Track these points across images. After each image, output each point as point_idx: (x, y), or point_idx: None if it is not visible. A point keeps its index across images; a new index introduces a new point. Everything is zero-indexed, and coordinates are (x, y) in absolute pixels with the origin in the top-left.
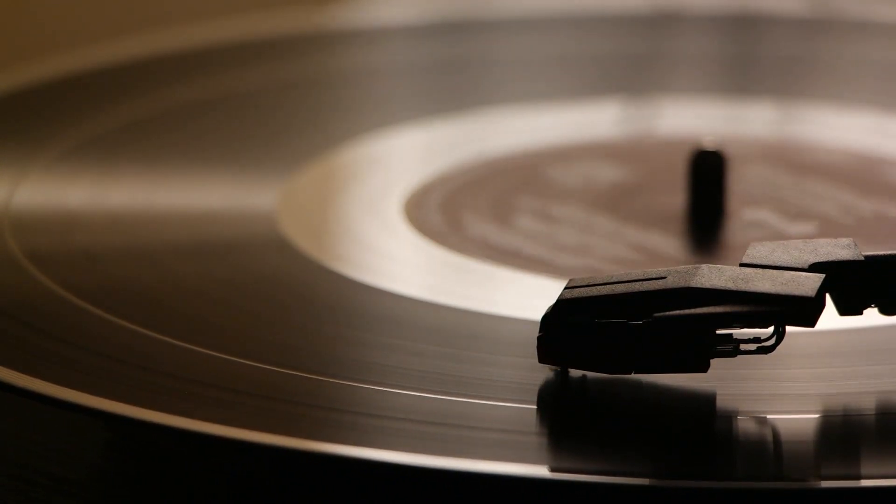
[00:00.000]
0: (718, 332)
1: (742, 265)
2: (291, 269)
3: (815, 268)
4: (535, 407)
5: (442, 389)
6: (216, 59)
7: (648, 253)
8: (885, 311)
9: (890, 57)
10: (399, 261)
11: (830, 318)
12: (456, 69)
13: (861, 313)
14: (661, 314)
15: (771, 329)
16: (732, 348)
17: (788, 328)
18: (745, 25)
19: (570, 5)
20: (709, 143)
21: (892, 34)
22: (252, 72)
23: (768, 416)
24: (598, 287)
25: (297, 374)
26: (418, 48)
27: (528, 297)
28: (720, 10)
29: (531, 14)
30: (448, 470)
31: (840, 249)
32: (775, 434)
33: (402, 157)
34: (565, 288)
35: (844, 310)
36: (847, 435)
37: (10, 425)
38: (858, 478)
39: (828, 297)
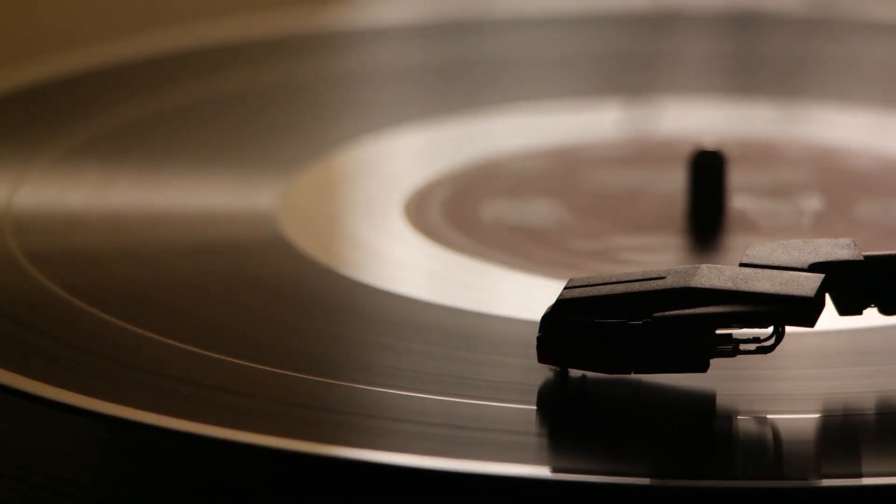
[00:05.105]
0: (718, 332)
1: (742, 265)
2: (291, 269)
3: (814, 268)
4: (535, 407)
5: (442, 389)
6: (216, 59)
7: (648, 253)
8: (885, 311)
9: (890, 57)
10: (399, 261)
11: (830, 318)
12: (456, 69)
13: (861, 313)
14: (661, 314)
15: (770, 329)
16: (732, 348)
17: (788, 328)
18: (745, 25)
19: (571, 5)
20: (709, 143)
21: (892, 34)
22: (252, 72)
23: (768, 416)
24: (598, 287)
25: (298, 374)
26: (418, 48)
27: (528, 297)
28: (720, 10)
29: (531, 14)
30: (448, 470)
31: (839, 249)
32: (775, 434)
33: (402, 158)
34: (565, 288)
35: (844, 310)
36: (847, 435)
37: (9, 426)
38: (858, 477)
39: (827, 297)
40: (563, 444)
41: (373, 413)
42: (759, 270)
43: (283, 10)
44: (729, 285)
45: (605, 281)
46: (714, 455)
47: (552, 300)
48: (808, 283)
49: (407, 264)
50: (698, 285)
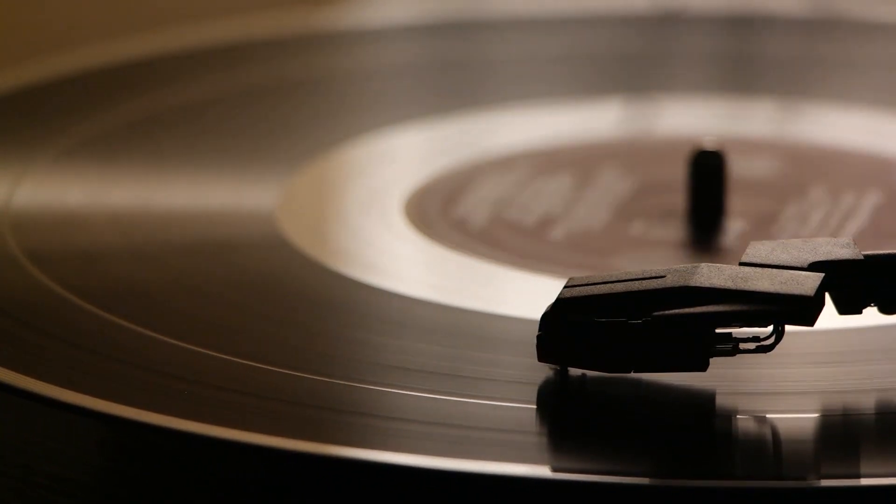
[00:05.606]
0: (718, 331)
1: (741, 264)
2: (291, 268)
3: (814, 267)
4: (535, 406)
5: (442, 389)
6: (216, 59)
7: (648, 252)
8: (885, 310)
9: (890, 57)
10: (399, 260)
11: (830, 317)
12: (456, 69)
13: (860, 312)
14: (661, 313)
15: (770, 328)
16: (731, 347)
17: (788, 327)
18: (745, 25)
19: (570, 5)
20: (709, 142)
21: (892, 34)
22: (252, 72)
23: (768, 416)
24: (598, 286)
25: (298, 374)
26: (418, 48)
27: (528, 295)
28: (720, 10)
29: (531, 14)
30: (448, 470)
31: (839, 248)
32: (775, 433)
33: (402, 157)
34: (564, 287)
35: (844, 309)
36: (847, 435)
37: (10, 425)
38: (858, 477)
39: (827, 296)
40: (562, 443)
41: (372, 412)
42: (758, 269)
43: (283, 10)
44: (729, 284)
45: (604, 280)
46: (714, 455)
47: (552, 299)
48: (808, 283)
49: (406, 264)
50: (698, 284)
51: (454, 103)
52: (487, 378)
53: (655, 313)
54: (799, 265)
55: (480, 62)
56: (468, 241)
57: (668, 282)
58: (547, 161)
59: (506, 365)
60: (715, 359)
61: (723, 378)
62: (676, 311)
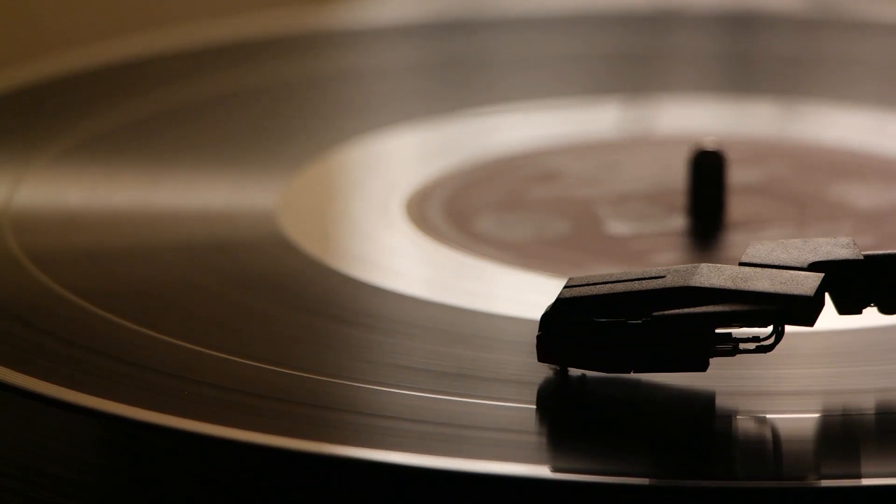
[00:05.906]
0: (717, 331)
1: (741, 264)
2: (291, 269)
3: (814, 267)
4: (535, 406)
5: (441, 388)
6: (216, 59)
7: (648, 252)
8: (885, 310)
9: (890, 57)
10: (400, 260)
11: (830, 317)
12: (456, 69)
13: (860, 312)
14: (660, 313)
15: (770, 328)
16: (731, 347)
17: (788, 327)
18: (745, 24)
19: (571, 5)
20: (709, 143)
21: (892, 34)
22: (252, 72)
23: (768, 416)
24: (598, 286)
25: (298, 373)
26: (418, 48)
27: (528, 295)
28: (720, 9)
29: (531, 14)
30: (448, 470)
31: (839, 248)
32: (775, 434)
33: (402, 157)
34: (564, 287)
35: (844, 309)
36: (847, 435)
37: (10, 425)
38: (858, 477)
39: (827, 296)
40: (562, 443)
41: (372, 412)
42: (758, 269)
43: (281, 10)
44: (728, 284)
45: (604, 280)
46: (714, 455)
47: (552, 299)
48: (808, 283)
49: (407, 263)
50: (698, 284)
51: (454, 103)
52: (487, 378)
53: (655, 313)
54: (799, 265)
55: (480, 62)
56: (468, 240)
57: (668, 282)
58: (546, 161)
59: (506, 365)
60: (715, 359)
61: (723, 378)
62: (676, 311)
